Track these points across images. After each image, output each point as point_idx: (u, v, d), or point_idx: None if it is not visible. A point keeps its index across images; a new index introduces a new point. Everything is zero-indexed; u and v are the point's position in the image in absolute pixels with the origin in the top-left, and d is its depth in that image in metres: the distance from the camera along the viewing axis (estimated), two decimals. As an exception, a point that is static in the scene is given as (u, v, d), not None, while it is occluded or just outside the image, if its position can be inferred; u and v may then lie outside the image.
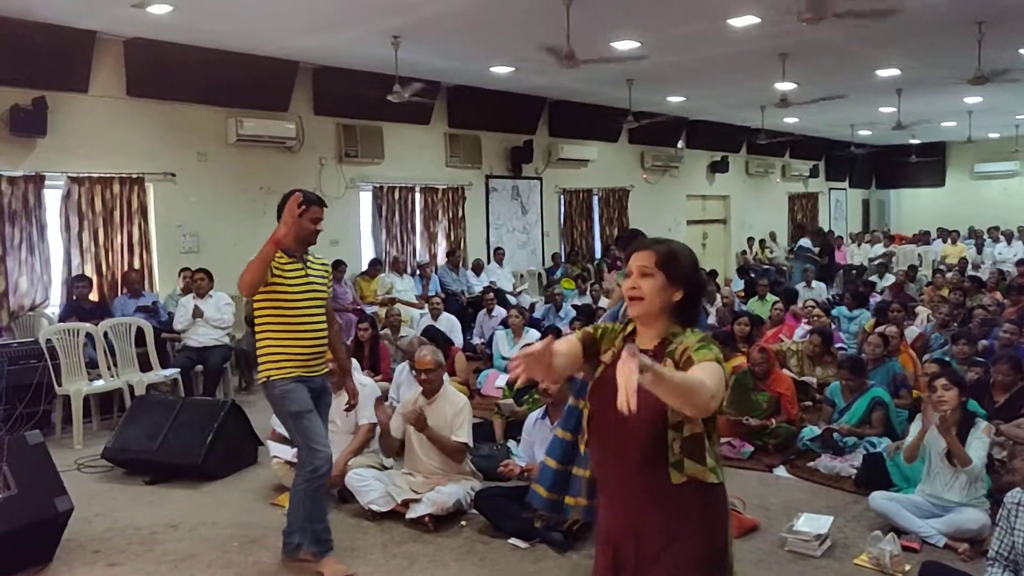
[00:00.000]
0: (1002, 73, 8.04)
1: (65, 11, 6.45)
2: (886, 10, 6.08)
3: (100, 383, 6.16)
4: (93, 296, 7.24)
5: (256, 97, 8.54)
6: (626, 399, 1.60)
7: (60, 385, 5.88)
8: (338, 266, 9.19)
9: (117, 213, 7.61)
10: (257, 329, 3.65)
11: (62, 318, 6.79)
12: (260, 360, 3.61)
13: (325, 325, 3.68)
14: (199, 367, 6.77)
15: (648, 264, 2.04)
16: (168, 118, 8.03)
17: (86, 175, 7.42)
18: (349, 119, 9.54)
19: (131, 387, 6.13)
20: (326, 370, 3.74)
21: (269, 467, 4.92)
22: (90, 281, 7.22)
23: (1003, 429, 4.64)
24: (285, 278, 3.54)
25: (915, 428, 4.16)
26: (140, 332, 6.57)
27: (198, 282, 6.94)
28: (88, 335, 6.24)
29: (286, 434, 5.49)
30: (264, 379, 3.60)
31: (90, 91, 7.39)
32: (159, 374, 6.46)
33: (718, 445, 2.05)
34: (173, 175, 8.09)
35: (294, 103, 8.96)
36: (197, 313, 6.77)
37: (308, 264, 3.65)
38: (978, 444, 3.90)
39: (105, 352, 6.27)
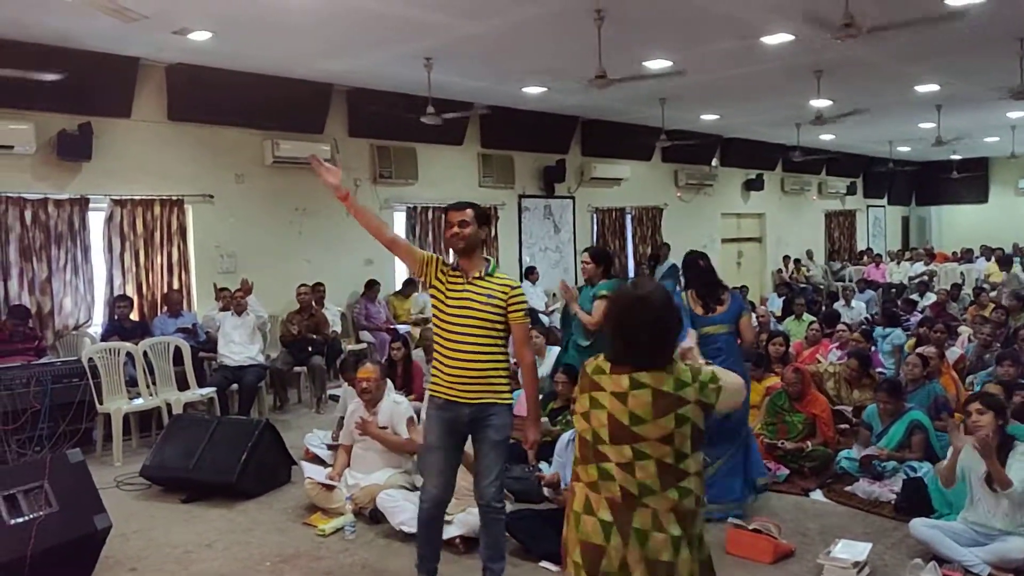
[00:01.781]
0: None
1: (110, 39, 6.65)
2: (920, 19, 5.97)
3: (139, 402, 6.28)
4: (134, 316, 7.42)
5: (292, 119, 8.70)
6: None
7: (101, 403, 6.00)
8: (372, 286, 9.30)
9: (158, 234, 7.79)
10: None
11: (104, 337, 6.95)
12: None
13: (486, 350, 3.38)
14: (235, 386, 6.87)
15: None
16: (207, 141, 8.22)
17: (128, 197, 7.62)
18: (383, 140, 9.66)
19: (169, 405, 6.25)
20: (490, 400, 3.42)
21: (302, 486, 4.96)
22: (131, 301, 7.39)
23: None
24: (444, 290, 3.43)
25: (964, 452, 4.04)
26: (178, 351, 6.69)
27: (238, 299, 7.07)
28: (128, 354, 6.37)
29: (320, 453, 5.61)
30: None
31: (133, 116, 7.60)
32: (196, 393, 6.57)
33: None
34: (211, 197, 8.26)
35: (329, 125, 9.11)
36: (240, 308, 7.00)
37: (472, 281, 3.41)
38: (1018, 466, 3.76)
39: (144, 371, 6.39)
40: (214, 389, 6.65)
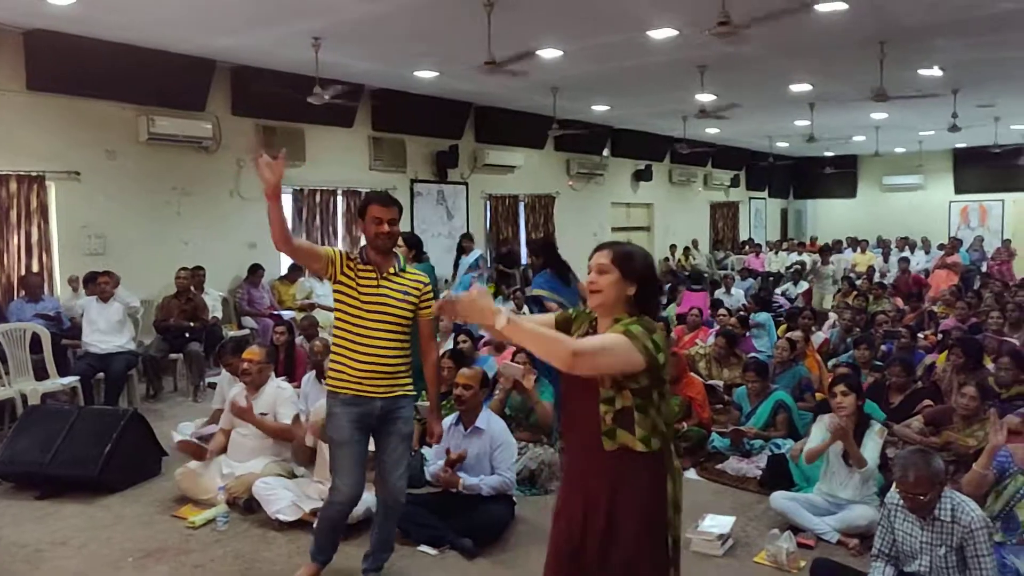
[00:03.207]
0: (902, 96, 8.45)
1: (-44, -1, 6.11)
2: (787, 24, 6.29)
3: (-11, 392, 5.82)
4: (-15, 300, 6.86)
5: (170, 95, 8.25)
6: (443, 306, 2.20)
7: (-55, 395, 5.53)
8: (255, 270, 8.99)
9: (14, 213, 7.21)
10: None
11: (-51, 323, 6.39)
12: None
13: (397, 345, 3.38)
14: (101, 375, 6.48)
15: (605, 262, 2.31)
16: (73, 114, 7.67)
17: (-22, 172, 7.03)
18: (269, 120, 9.33)
19: (24, 396, 5.82)
20: (399, 394, 3.42)
21: (171, 478, 4.75)
22: (-19, 284, 6.84)
23: (895, 429, 4.85)
24: (355, 285, 3.34)
25: (816, 430, 4.32)
26: (36, 338, 6.24)
27: (102, 285, 6.64)
28: (-23, 341, 5.89)
29: (191, 439, 5.37)
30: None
31: (-16, 84, 7.02)
32: (56, 382, 6.14)
33: (659, 419, 2.26)
34: (78, 174, 7.73)
35: (211, 102, 8.70)
36: (105, 295, 6.60)
37: (386, 276, 3.36)
38: (872, 446, 4.08)
39: (-4, 359, 5.93)
40: (77, 378, 6.24)
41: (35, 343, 6.24)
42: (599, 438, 2.23)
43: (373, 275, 3.36)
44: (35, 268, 7.32)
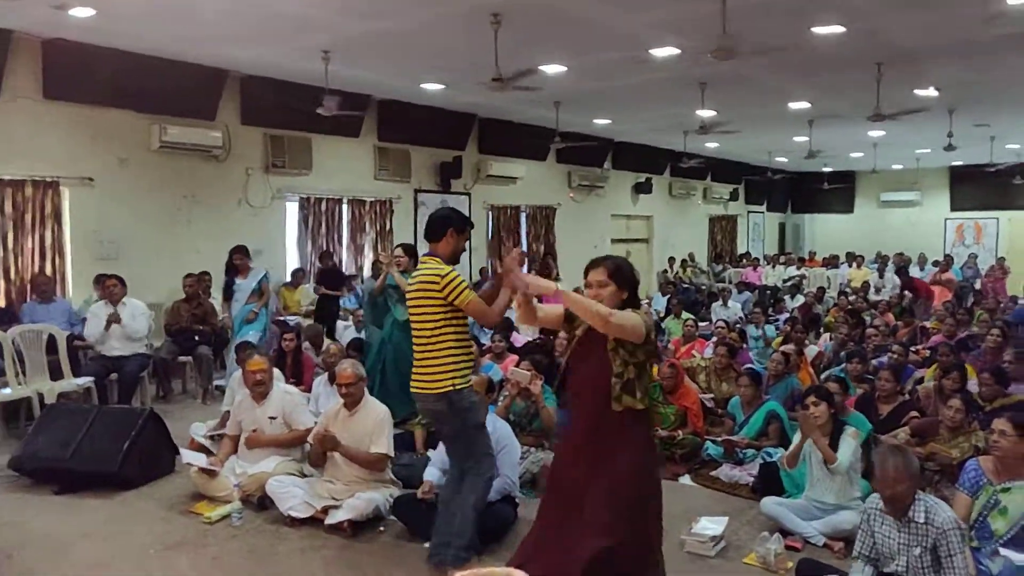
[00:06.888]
0: (899, 114, 8.65)
1: (-22, 9, 6.30)
2: (785, 46, 6.51)
3: (7, 391, 5.98)
4: (-1, 301, 7.03)
5: (182, 104, 8.44)
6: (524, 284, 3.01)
7: (-37, 394, 5.69)
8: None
9: (29, 217, 7.40)
10: (438, 341, 3.72)
11: (-34, 324, 6.55)
12: (442, 370, 3.71)
13: None
14: (114, 375, 6.64)
15: (603, 278, 2.99)
16: (87, 122, 7.87)
17: (-6, 178, 7.21)
18: (277, 129, 9.53)
19: (41, 396, 5.98)
20: None
21: (187, 476, 4.91)
22: (-5, 286, 7.00)
23: (882, 440, 5.02)
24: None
25: (797, 437, 4.52)
26: (52, 339, 6.40)
27: (111, 288, 6.73)
28: (-7, 341, 6.06)
29: (204, 443, 5.53)
30: (448, 388, 3.70)
31: (2, 92, 7.18)
32: (71, 383, 6.30)
33: (648, 384, 3.05)
34: (91, 180, 7.92)
35: (221, 111, 8.90)
36: (113, 319, 6.63)
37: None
38: (845, 446, 4.30)
39: (14, 359, 6.09)
40: (91, 379, 6.40)
41: (51, 344, 6.40)
42: (609, 402, 2.93)
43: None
44: (48, 271, 7.49)
